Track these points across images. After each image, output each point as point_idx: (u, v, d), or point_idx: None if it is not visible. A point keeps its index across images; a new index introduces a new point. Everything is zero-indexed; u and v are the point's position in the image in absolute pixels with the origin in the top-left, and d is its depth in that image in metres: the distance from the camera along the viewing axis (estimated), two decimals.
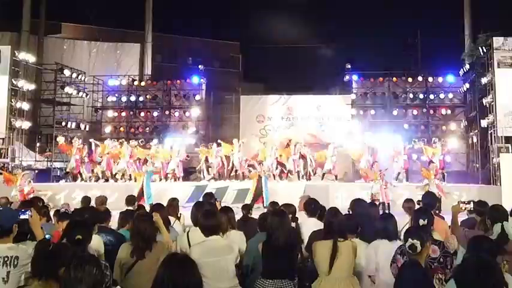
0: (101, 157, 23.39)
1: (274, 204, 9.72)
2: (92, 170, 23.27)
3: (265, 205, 18.08)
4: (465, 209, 6.50)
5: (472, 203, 6.54)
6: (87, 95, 28.80)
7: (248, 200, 18.46)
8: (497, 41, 22.81)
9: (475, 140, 25.45)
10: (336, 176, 23.07)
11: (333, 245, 5.83)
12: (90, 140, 24.53)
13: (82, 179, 22.87)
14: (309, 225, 7.51)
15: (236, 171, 22.93)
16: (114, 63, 32.76)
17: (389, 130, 25.00)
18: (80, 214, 6.79)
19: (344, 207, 7.99)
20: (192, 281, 3.60)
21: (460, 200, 6.66)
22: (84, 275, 3.66)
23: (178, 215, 8.89)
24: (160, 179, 22.81)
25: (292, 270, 5.91)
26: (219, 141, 23.64)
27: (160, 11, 33.12)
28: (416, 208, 7.65)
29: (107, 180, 23.00)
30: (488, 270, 3.44)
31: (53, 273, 4.16)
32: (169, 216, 8.04)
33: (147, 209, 10.03)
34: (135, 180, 21.38)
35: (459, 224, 7.90)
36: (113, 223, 8.18)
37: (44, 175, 24.59)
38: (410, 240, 4.91)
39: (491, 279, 3.41)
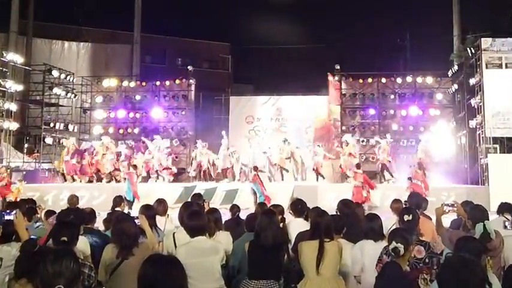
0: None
1: (262, 205, 9.71)
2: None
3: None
4: (449, 211, 6.51)
5: (456, 204, 6.55)
6: (75, 96, 28.68)
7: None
8: (485, 42, 22.91)
9: (463, 140, 25.55)
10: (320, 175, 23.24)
11: (319, 245, 5.82)
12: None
13: (74, 180, 22.89)
14: (296, 225, 7.51)
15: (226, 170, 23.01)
16: (103, 64, 32.67)
17: (377, 131, 25.13)
18: (65, 215, 6.75)
19: (332, 208, 7.97)
20: (175, 281, 3.58)
21: (443, 202, 6.67)
22: (62, 269, 3.63)
23: (167, 216, 8.87)
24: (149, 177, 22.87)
25: (278, 271, 5.91)
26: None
27: (149, 11, 33.06)
28: None
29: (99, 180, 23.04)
30: (469, 269, 3.43)
31: (36, 275, 4.14)
32: (160, 216, 8.04)
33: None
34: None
35: (449, 224, 7.98)
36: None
37: (32, 176, 24.46)
38: (394, 243, 4.95)
39: (473, 278, 3.42)
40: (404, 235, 5.13)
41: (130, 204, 17.94)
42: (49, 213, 8.62)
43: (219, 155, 23.39)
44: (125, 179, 21.29)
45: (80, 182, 23.02)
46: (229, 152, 23.56)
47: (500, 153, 22.23)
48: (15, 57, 25.14)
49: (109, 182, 23.06)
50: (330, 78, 27.70)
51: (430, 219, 8.52)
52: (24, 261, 4.44)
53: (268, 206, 9.17)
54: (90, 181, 23.02)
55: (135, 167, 21.00)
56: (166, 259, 3.74)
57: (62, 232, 5.17)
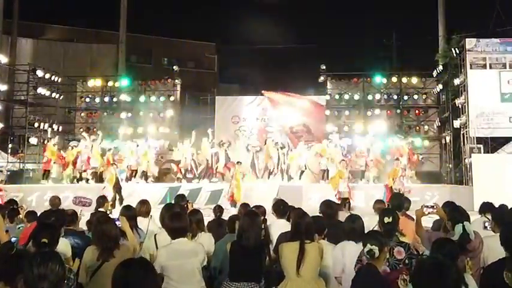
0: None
1: (245, 205, 9.68)
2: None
3: None
4: (428, 213, 6.54)
5: (435, 206, 6.57)
6: (60, 95, 28.51)
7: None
8: (469, 42, 23.02)
9: (447, 140, 25.67)
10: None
11: (300, 246, 5.82)
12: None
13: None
14: (278, 226, 7.51)
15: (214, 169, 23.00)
16: (88, 63, 32.55)
17: (363, 131, 25.21)
18: (47, 217, 6.72)
19: (317, 208, 7.99)
20: (147, 285, 3.57)
21: (424, 204, 6.69)
22: (47, 271, 3.63)
23: (149, 217, 8.84)
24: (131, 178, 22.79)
25: (259, 273, 5.92)
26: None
27: (135, 11, 32.97)
28: None
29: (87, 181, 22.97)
30: (442, 272, 3.46)
31: (13, 278, 4.12)
32: (142, 217, 8.03)
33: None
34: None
35: (431, 224, 8.02)
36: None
37: (16, 176, 24.34)
38: (368, 245, 4.98)
39: (446, 280, 3.44)
40: (378, 237, 5.17)
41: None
42: (30, 214, 8.59)
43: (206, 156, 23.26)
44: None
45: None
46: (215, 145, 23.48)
47: (484, 153, 22.31)
48: None
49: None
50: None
51: (413, 219, 8.56)
52: (1, 264, 4.40)
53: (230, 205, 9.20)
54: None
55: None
56: (138, 263, 3.72)
57: (42, 234, 5.15)
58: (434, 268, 3.47)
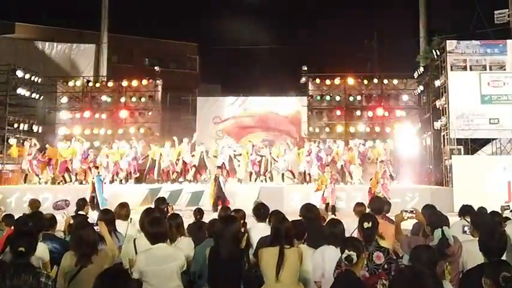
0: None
1: (226, 209, 9.64)
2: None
3: None
4: (408, 218, 6.55)
5: (415, 211, 6.59)
6: (40, 96, 28.27)
7: (208, 204, 18.39)
8: (450, 44, 23.15)
9: (428, 141, 25.82)
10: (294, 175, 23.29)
11: (280, 251, 5.80)
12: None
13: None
14: (258, 230, 7.46)
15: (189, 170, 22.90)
16: (69, 64, 32.30)
17: (344, 132, 25.32)
18: (25, 222, 6.64)
19: (298, 210, 7.97)
20: None
21: (403, 209, 6.70)
22: (20, 283, 3.59)
23: (129, 220, 8.77)
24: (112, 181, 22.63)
25: (237, 279, 5.88)
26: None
27: (116, 11, 32.78)
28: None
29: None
30: (420, 282, 3.46)
31: None
32: (122, 221, 7.97)
33: None
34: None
35: (411, 227, 8.03)
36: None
37: None
38: (346, 251, 4.98)
39: None
40: (356, 244, 5.16)
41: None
42: (7, 217, 8.50)
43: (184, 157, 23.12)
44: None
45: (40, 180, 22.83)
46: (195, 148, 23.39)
47: (464, 154, 22.52)
48: None
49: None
50: None
51: (393, 222, 8.57)
52: None
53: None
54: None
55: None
56: (117, 274, 3.69)
57: (19, 242, 5.06)
58: (412, 278, 3.47)
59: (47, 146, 23.95)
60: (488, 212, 8.33)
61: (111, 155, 23.11)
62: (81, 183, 22.40)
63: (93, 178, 19.13)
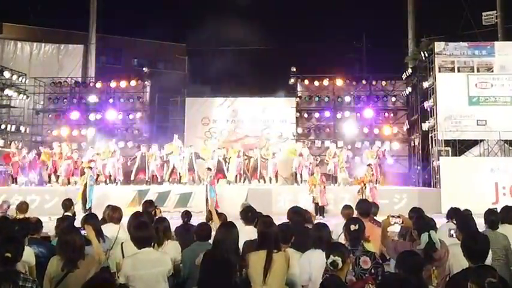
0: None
1: (221, 214, 9.60)
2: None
3: None
4: (395, 223, 6.58)
5: (401, 217, 6.62)
6: (28, 97, 28.12)
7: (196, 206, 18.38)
8: (438, 45, 23.28)
9: (416, 143, 25.91)
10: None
11: (267, 256, 5.81)
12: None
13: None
14: (245, 233, 7.44)
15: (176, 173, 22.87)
16: (57, 64, 32.10)
17: (332, 133, 25.35)
18: (11, 226, 6.60)
19: (287, 211, 7.98)
20: None
21: (390, 214, 6.72)
22: None
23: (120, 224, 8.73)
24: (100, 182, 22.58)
25: (230, 284, 5.86)
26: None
27: (104, 11, 32.63)
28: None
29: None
30: None
31: None
32: (113, 224, 7.94)
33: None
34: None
35: (399, 230, 8.05)
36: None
37: None
38: (331, 256, 5.00)
39: None
40: (342, 249, 5.19)
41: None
42: None
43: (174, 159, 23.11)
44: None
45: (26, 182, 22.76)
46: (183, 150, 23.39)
47: (452, 156, 22.59)
48: None
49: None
50: None
51: (379, 225, 8.59)
52: None
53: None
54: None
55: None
56: (103, 283, 3.68)
57: (5, 247, 5.03)
58: (397, 285, 3.47)
59: (41, 149, 23.92)
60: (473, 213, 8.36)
61: (98, 156, 23.09)
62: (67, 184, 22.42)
63: (85, 178, 19.18)
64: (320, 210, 18.19)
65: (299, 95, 28.30)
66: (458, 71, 23.02)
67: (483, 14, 26.78)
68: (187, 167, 22.68)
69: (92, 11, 31.88)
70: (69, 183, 22.61)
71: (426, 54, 24.36)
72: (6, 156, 22.82)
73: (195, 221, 9.15)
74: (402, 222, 6.66)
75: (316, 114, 27.77)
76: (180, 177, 22.75)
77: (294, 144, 24.64)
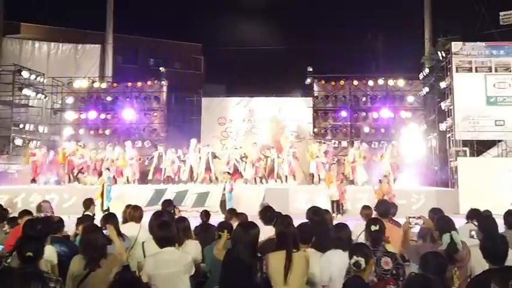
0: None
1: (231, 211, 9.63)
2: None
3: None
4: (415, 224, 6.56)
5: (422, 218, 6.60)
6: (45, 96, 28.32)
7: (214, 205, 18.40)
8: (455, 45, 23.13)
9: (434, 143, 25.79)
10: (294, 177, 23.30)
11: (287, 256, 5.81)
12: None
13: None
14: (265, 233, 7.46)
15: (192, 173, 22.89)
16: (74, 64, 32.29)
17: (349, 133, 25.31)
18: (33, 225, 6.64)
19: (304, 211, 7.96)
20: None
21: (409, 215, 6.70)
22: None
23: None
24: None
25: (250, 283, 5.86)
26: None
27: (121, 11, 32.80)
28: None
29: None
30: None
31: None
32: (134, 223, 7.99)
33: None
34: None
35: (418, 230, 7.99)
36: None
37: (0, 178, 24.17)
38: (355, 257, 5.01)
39: None
40: (365, 250, 5.20)
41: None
42: (12, 220, 8.56)
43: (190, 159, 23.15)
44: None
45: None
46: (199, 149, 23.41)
47: (469, 156, 22.45)
48: None
49: None
50: None
51: (399, 225, 8.56)
52: None
53: None
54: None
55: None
56: (129, 282, 3.70)
57: (26, 247, 5.08)
58: (422, 286, 3.47)
59: (59, 150, 24.08)
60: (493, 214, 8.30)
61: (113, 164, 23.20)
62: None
63: (103, 179, 19.31)
64: (337, 207, 18.15)
65: (315, 94, 28.24)
66: (476, 71, 22.86)
67: (500, 14, 26.54)
68: (204, 166, 22.69)
69: (109, 10, 32.02)
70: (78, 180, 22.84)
71: (443, 54, 24.21)
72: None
73: (213, 221, 9.18)
74: (423, 223, 6.64)
75: (333, 114, 27.72)
76: (197, 177, 22.77)
77: (314, 146, 24.38)
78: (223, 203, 18.72)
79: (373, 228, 5.94)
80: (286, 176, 23.10)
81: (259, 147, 24.05)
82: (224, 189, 19.30)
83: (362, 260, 4.96)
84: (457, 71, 22.89)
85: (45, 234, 6.38)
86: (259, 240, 7.02)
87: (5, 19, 31.88)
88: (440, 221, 6.34)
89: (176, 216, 8.47)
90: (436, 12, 29.43)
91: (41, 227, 6.56)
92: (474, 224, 7.71)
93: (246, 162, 23.18)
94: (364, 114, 27.34)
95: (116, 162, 23.08)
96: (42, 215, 10.14)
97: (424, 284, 3.53)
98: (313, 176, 23.02)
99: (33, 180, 22.67)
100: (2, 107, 28.01)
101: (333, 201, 18.41)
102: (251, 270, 5.64)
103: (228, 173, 20.58)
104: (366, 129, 26.88)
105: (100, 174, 21.53)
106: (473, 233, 6.96)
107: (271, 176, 23.12)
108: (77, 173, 23.11)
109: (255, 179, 23.04)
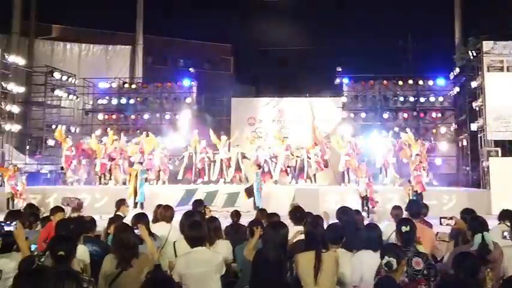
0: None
1: (263, 211, 9.64)
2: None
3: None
4: (447, 224, 6.52)
5: (453, 218, 6.56)
6: (77, 97, 28.71)
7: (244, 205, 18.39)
8: (487, 45, 22.86)
9: (465, 143, 25.54)
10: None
11: (316, 256, 5.82)
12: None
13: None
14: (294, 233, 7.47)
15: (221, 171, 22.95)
16: (105, 65, 32.64)
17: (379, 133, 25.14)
18: (65, 225, 6.73)
19: (334, 211, 7.96)
20: None
21: (441, 216, 6.67)
22: None
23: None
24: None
25: (280, 283, 5.87)
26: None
27: (151, 12, 33.05)
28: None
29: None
30: None
31: None
32: (165, 223, 8.05)
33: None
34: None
35: (450, 231, 7.93)
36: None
37: (33, 178, 24.45)
38: (386, 257, 5.00)
39: None
40: (396, 250, 5.19)
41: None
42: (44, 219, 8.68)
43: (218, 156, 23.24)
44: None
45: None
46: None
47: (501, 156, 22.16)
48: (17, 59, 25.14)
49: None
50: None
51: (431, 226, 8.52)
52: (22, 280, 4.38)
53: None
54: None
55: None
56: (162, 282, 3.74)
57: (58, 246, 5.14)
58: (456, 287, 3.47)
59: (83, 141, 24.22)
60: None
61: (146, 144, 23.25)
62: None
63: (136, 172, 19.40)
64: (366, 202, 18.06)
65: (345, 94, 28.18)
66: (508, 70, 22.55)
67: None
68: (235, 166, 22.75)
69: (138, 12, 32.31)
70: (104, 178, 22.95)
71: (474, 54, 23.93)
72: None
73: (243, 221, 9.21)
74: (455, 224, 6.60)
75: (363, 114, 27.63)
76: (227, 175, 22.82)
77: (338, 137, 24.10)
78: (251, 189, 18.98)
79: (403, 229, 5.91)
80: (314, 175, 22.99)
81: (290, 147, 23.87)
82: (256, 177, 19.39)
83: (394, 261, 4.95)
84: (488, 71, 22.61)
85: (77, 233, 6.47)
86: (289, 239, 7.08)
87: (37, 21, 32.33)
88: (473, 221, 6.29)
89: (207, 216, 8.50)
90: (467, 11, 29.17)
91: (74, 226, 6.65)
92: (507, 225, 7.63)
93: (275, 163, 23.16)
94: (394, 114, 27.19)
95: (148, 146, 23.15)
96: (69, 208, 10.30)
97: (457, 285, 3.52)
98: (343, 174, 22.80)
99: (62, 168, 22.86)
100: (35, 108, 28.46)
101: (362, 198, 18.31)
102: (281, 270, 5.66)
103: (258, 165, 20.60)
104: (396, 129, 26.68)
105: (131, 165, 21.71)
106: (506, 233, 6.87)
107: (301, 176, 23.04)
108: (109, 167, 23.16)
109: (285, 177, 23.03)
